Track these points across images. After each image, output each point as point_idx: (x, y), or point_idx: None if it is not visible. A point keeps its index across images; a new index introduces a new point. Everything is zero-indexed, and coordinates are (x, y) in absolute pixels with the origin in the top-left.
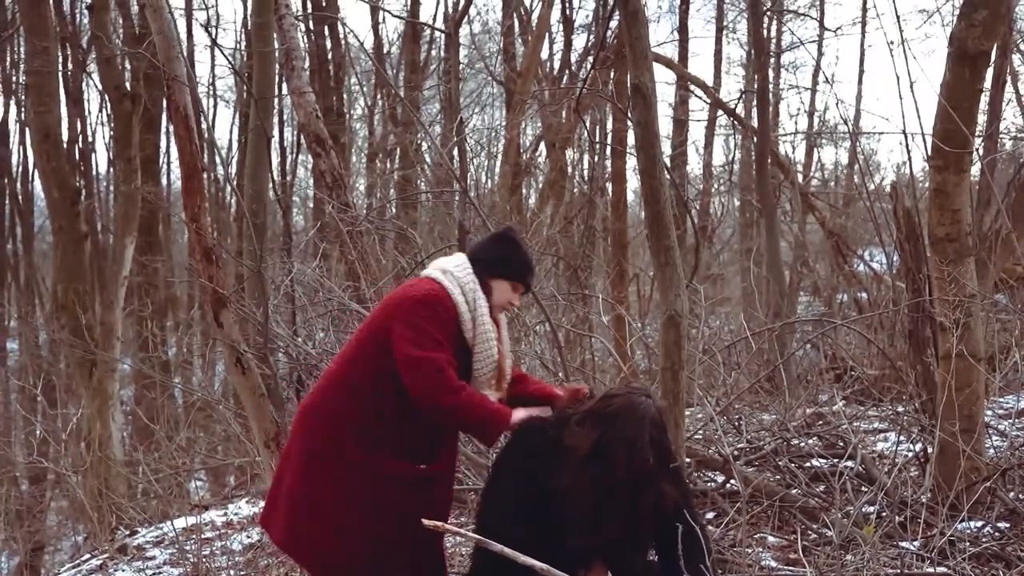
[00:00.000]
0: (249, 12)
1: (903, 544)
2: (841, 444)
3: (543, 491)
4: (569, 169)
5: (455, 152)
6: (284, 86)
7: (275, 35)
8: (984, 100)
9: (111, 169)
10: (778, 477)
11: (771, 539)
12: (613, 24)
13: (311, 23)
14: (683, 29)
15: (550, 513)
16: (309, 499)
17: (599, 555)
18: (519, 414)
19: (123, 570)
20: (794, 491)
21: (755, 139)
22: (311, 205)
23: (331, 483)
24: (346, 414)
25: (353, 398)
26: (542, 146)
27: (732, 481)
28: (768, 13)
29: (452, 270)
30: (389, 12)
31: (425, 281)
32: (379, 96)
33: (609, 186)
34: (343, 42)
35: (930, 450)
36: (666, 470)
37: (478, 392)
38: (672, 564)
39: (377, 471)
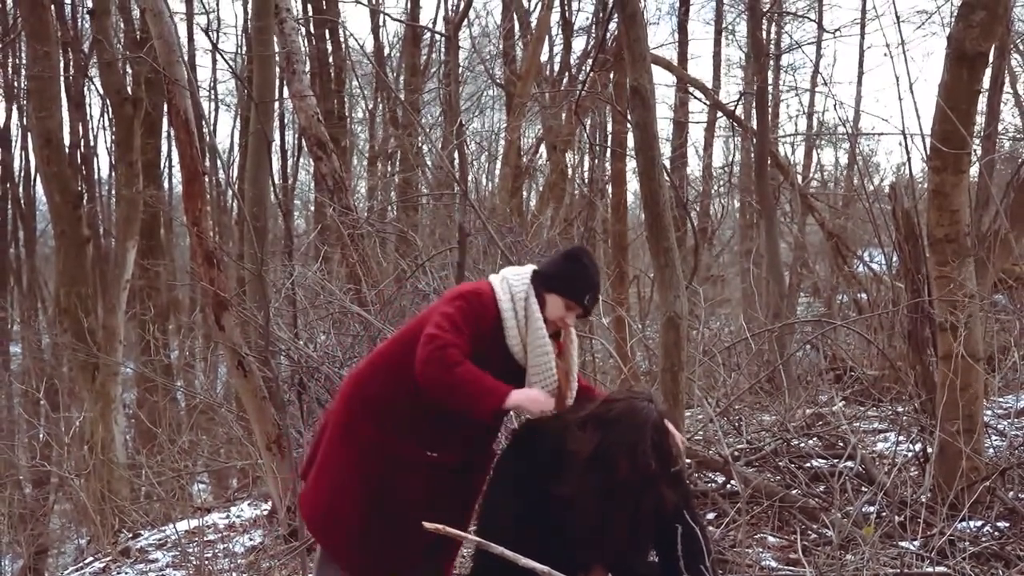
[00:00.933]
0: (249, 16)
1: (903, 544)
2: (841, 444)
3: (544, 494)
4: (569, 171)
5: (455, 155)
6: (285, 89)
7: (275, 39)
8: (982, 101)
9: (112, 173)
10: (778, 478)
11: (771, 539)
12: (612, 26)
13: (311, 26)
14: (682, 31)
15: (551, 515)
16: (327, 470)
17: (600, 557)
18: (516, 396)
19: (126, 572)
20: (794, 491)
21: (754, 141)
22: (312, 208)
23: (347, 459)
24: (372, 393)
25: (381, 379)
26: (542, 148)
27: (732, 482)
28: (767, 15)
29: (510, 277)
30: (389, 16)
31: (482, 281)
32: (379, 99)
33: (609, 188)
34: (343, 45)
35: (929, 450)
36: (667, 473)
37: (476, 368)
38: (673, 565)
39: (386, 451)
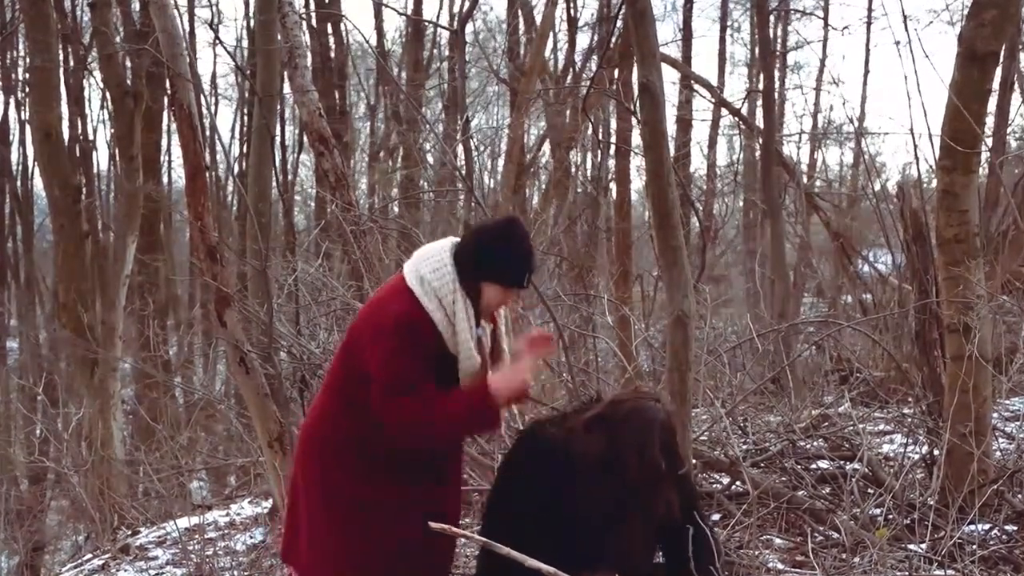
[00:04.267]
0: (251, 10)
1: (910, 547)
2: (847, 446)
3: (551, 496)
4: (573, 169)
5: (460, 151)
6: (286, 84)
7: (278, 33)
8: (991, 101)
9: (112, 167)
10: (784, 479)
11: (777, 541)
12: (618, 23)
13: (314, 21)
14: (687, 28)
15: (557, 518)
16: (323, 535)
17: (607, 558)
18: (499, 394)
19: (126, 570)
20: (800, 493)
21: (760, 139)
22: (312, 204)
23: (339, 518)
24: (341, 442)
25: (345, 425)
26: (545, 145)
27: (737, 483)
28: (773, 12)
29: (429, 277)
30: (395, 10)
31: (401, 294)
32: (381, 95)
33: (613, 186)
34: (345, 40)
35: (936, 452)
36: (675, 474)
37: (451, 403)
38: (682, 566)
39: (375, 499)
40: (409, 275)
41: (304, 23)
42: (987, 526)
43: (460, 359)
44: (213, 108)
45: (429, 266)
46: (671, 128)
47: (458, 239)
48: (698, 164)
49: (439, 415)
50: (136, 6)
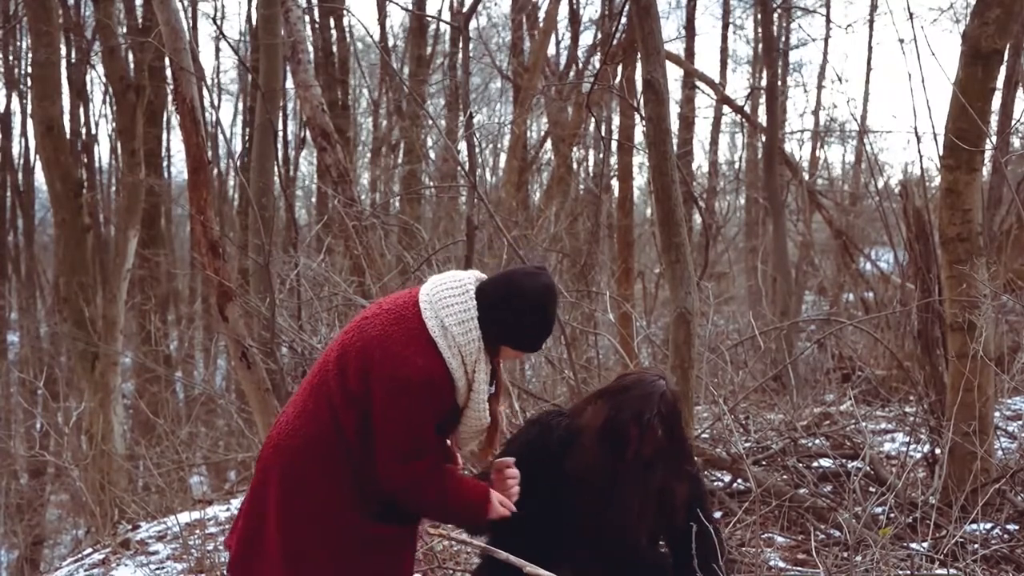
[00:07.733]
0: (254, 4)
1: (912, 545)
2: (849, 444)
3: (553, 480)
4: (575, 165)
5: (462, 146)
6: (289, 79)
7: (281, 27)
8: (995, 100)
9: (113, 161)
10: (786, 477)
11: (779, 539)
12: (622, 19)
13: (316, 15)
14: (690, 25)
15: (556, 494)
16: (294, 559)
17: (602, 537)
18: (497, 508)
19: (126, 564)
20: (802, 491)
21: (763, 137)
22: (314, 199)
23: (319, 544)
24: (326, 465)
25: (331, 450)
26: (548, 142)
27: (739, 480)
28: (777, 10)
29: (455, 331)
30: (397, 4)
31: (421, 344)
32: (384, 90)
33: (615, 182)
34: (348, 34)
35: (938, 451)
36: (677, 453)
37: (452, 484)
38: (685, 562)
39: (366, 531)
40: (429, 318)
41: (307, 17)
42: (989, 525)
43: (467, 414)
44: (215, 102)
45: (454, 317)
46: (673, 125)
47: (481, 279)
48: (700, 161)
49: (441, 491)
50: (139, 0)
